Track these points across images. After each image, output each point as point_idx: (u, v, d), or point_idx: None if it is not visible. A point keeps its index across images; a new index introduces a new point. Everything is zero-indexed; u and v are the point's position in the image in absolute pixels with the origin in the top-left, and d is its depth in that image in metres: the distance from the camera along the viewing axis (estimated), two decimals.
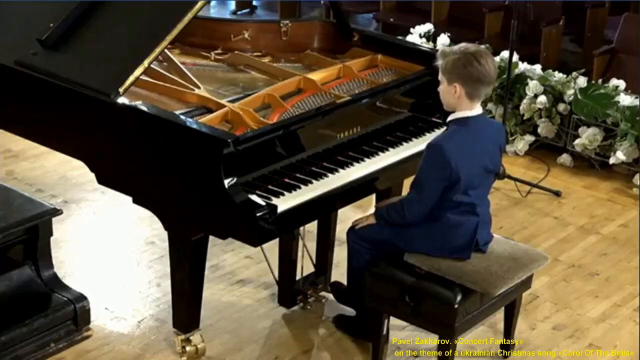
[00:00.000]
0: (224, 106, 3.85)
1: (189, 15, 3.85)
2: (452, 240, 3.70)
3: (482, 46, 3.80)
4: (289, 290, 4.34)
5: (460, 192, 3.65)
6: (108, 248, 4.89)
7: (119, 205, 4.95)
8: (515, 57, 5.93)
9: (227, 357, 4.05)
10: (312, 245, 4.42)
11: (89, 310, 4.07)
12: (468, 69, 3.58)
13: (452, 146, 3.58)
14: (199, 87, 4.05)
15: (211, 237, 3.77)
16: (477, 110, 3.67)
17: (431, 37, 6.79)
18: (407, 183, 3.82)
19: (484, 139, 3.70)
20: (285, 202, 3.57)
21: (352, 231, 3.94)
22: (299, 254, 4.29)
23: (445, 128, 3.80)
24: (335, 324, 4.24)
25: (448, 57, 3.62)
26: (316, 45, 4.69)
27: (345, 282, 4.20)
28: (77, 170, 5.30)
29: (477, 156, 3.66)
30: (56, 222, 4.13)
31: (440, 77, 3.68)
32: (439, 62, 3.68)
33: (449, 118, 3.70)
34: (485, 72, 3.59)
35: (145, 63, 3.78)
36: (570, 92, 6.00)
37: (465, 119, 3.65)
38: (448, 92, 3.65)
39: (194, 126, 3.60)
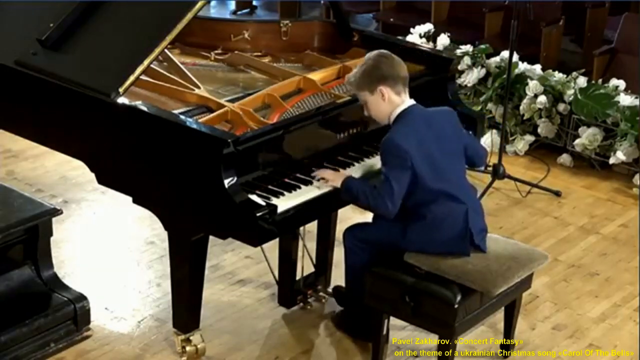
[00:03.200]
0: (224, 106, 3.85)
1: (189, 15, 3.85)
2: (445, 232, 3.70)
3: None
4: (289, 290, 4.34)
5: (433, 180, 3.65)
6: (108, 248, 4.89)
7: (119, 205, 4.95)
8: (515, 57, 5.92)
9: (227, 357, 4.05)
10: (312, 245, 4.42)
11: (89, 310, 4.07)
12: (381, 68, 3.68)
13: (401, 136, 3.62)
14: (199, 87, 4.05)
15: (211, 237, 3.77)
16: (409, 102, 3.72)
17: (431, 37, 6.79)
18: None
19: (434, 123, 3.73)
20: (285, 202, 3.57)
21: (348, 231, 3.94)
22: (299, 254, 4.29)
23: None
24: (336, 324, 4.24)
25: (357, 74, 3.71)
26: (316, 45, 4.69)
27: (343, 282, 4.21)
28: (77, 170, 5.30)
29: (431, 141, 3.67)
30: (56, 222, 4.13)
31: (361, 97, 3.74)
32: (353, 89, 3.78)
33: (390, 121, 3.72)
34: (395, 64, 3.70)
35: (145, 63, 3.79)
36: (570, 92, 6.00)
37: (402, 112, 3.70)
38: (377, 101, 3.70)
39: (194, 126, 3.60)
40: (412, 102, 3.74)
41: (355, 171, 3.87)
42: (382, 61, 3.70)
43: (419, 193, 3.67)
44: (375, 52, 3.77)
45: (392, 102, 3.70)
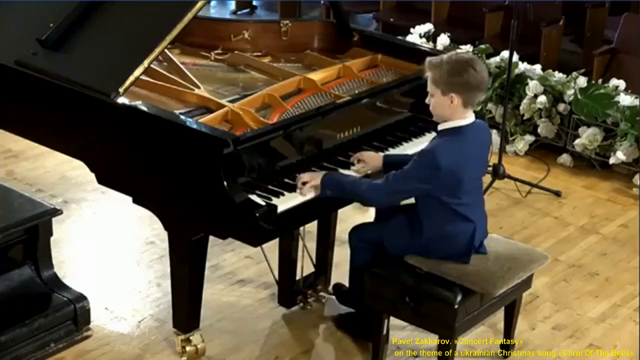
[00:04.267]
0: (224, 106, 3.85)
1: (189, 15, 3.85)
2: (450, 248, 3.69)
3: (471, 54, 3.76)
4: (289, 290, 4.34)
5: (451, 202, 3.61)
6: (108, 248, 4.89)
7: (119, 205, 4.94)
8: (515, 57, 5.92)
9: (227, 357, 4.05)
10: (312, 245, 4.42)
11: (89, 310, 4.06)
12: (465, 77, 3.51)
13: (446, 155, 3.52)
14: (199, 87, 4.05)
15: (211, 237, 3.77)
16: (470, 118, 3.62)
17: (431, 37, 6.79)
18: None
19: (476, 146, 3.66)
20: (285, 202, 3.57)
21: (353, 231, 3.94)
22: (299, 254, 4.29)
23: (435, 135, 3.72)
24: (336, 324, 4.24)
25: (441, 67, 3.54)
26: (316, 45, 4.69)
27: (345, 282, 4.21)
28: (77, 170, 5.30)
29: (470, 165, 3.62)
30: (56, 222, 4.12)
31: (432, 88, 3.59)
32: (429, 74, 3.59)
33: (441, 127, 3.62)
34: (481, 79, 3.54)
35: (145, 63, 3.79)
36: (570, 92, 6.00)
37: (459, 128, 3.59)
38: (443, 103, 3.56)
39: (194, 126, 3.60)
40: (472, 119, 3.62)
41: (351, 174, 3.87)
42: (469, 71, 3.50)
43: (432, 209, 3.65)
44: (469, 56, 3.59)
45: (456, 111, 3.57)
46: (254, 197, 3.52)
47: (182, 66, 4.27)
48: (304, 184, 3.65)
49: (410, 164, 3.59)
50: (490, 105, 6.30)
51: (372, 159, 3.86)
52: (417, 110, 4.27)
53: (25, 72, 4.02)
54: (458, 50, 3.61)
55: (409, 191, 3.62)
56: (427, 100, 3.66)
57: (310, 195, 3.65)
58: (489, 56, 6.38)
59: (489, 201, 5.46)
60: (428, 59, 3.64)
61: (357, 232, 3.93)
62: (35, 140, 4.27)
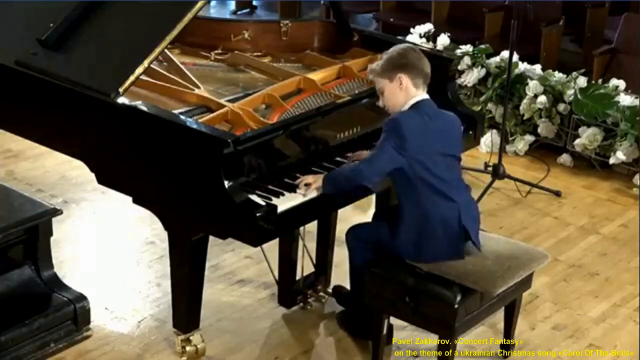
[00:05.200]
0: (224, 106, 3.85)
1: (189, 15, 3.85)
2: (441, 236, 3.68)
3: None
4: (289, 290, 4.34)
5: (425, 173, 3.64)
6: (108, 248, 4.89)
7: (119, 205, 4.94)
8: (515, 57, 5.92)
9: (227, 357, 4.05)
10: (312, 245, 4.42)
11: (89, 310, 4.07)
12: (407, 57, 3.70)
13: (409, 122, 3.63)
14: (199, 87, 4.05)
15: (211, 237, 3.77)
16: (423, 94, 3.73)
17: (431, 37, 6.79)
18: None
19: (439, 122, 3.73)
20: (285, 202, 3.57)
21: (350, 232, 3.94)
22: (299, 254, 4.29)
23: None
24: (338, 321, 4.24)
25: (380, 63, 3.73)
26: (316, 45, 4.69)
27: (345, 282, 4.21)
28: (77, 170, 5.30)
29: (431, 137, 3.67)
30: (56, 222, 4.13)
31: (380, 85, 3.73)
32: (372, 77, 3.77)
33: (403, 109, 3.71)
34: (421, 58, 3.72)
35: (145, 63, 3.79)
36: (570, 92, 6.00)
37: (417, 103, 3.70)
38: (394, 90, 3.70)
39: (194, 126, 3.60)
40: (426, 96, 3.74)
41: None
42: (409, 52, 3.72)
43: (409, 188, 3.67)
44: (405, 44, 3.82)
45: (408, 92, 3.69)
46: (254, 197, 3.52)
47: (182, 66, 4.27)
48: (307, 185, 3.66)
49: (381, 137, 3.67)
50: (490, 105, 6.30)
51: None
52: None
53: (25, 72, 4.02)
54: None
55: (385, 159, 3.64)
56: (378, 103, 3.78)
57: (312, 195, 3.65)
58: (489, 56, 6.38)
59: (489, 201, 5.48)
60: (369, 67, 3.84)
61: (354, 233, 3.93)
62: (35, 140, 4.27)
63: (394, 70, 3.68)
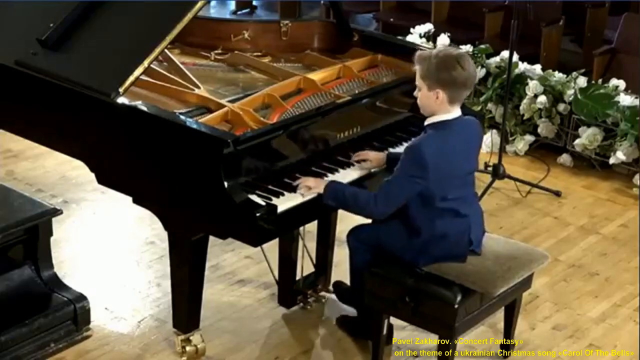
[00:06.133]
0: (224, 106, 3.85)
1: (189, 15, 3.85)
2: (447, 247, 3.68)
3: (461, 49, 3.75)
4: (289, 290, 4.34)
5: (442, 199, 3.61)
6: (108, 248, 4.89)
7: (119, 205, 4.95)
8: (515, 57, 5.92)
9: (227, 357, 4.05)
10: (312, 245, 4.42)
11: (89, 310, 4.07)
12: (452, 73, 3.51)
13: (431, 149, 3.52)
14: (199, 87, 4.05)
15: (211, 237, 3.77)
16: (456, 112, 3.62)
17: (431, 37, 6.79)
18: None
19: (465, 141, 3.65)
20: (285, 202, 3.57)
21: (351, 232, 3.94)
22: (299, 254, 4.29)
23: (423, 132, 3.68)
24: (338, 323, 4.24)
25: (429, 62, 3.54)
26: (316, 45, 4.69)
27: (346, 281, 4.21)
28: (77, 170, 5.30)
29: (457, 160, 3.61)
30: (56, 222, 4.13)
31: (419, 82, 3.60)
32: (417, 67, 3.59)
33: (427, 122, 3.63)
34: (468, 76, 3.54)
35: (145, 63, 3.78)
36: (570, 92, 6.00)
37: (444, 122, 3.59)
38: (429, 97, 3.57)
39: (194, 126, 3.60)
40: (458, 113, 3.62)
41: (351, 174, 3.87)
42: (456, 67, 3.49)
43: (424, 209, 3.64)
44: (458, 52, 3.58)
45: (442, 107, 3.57)
46: (253, 197, 3.52)
47: (182, 66, 4.27)
48: (307, 187, 3.65)
49: (399, 165, 3.59)
50: (490, 105, 6.30)
51: (375, 157, 3.87)
52: (417, 110, 4.24)
53: (25, 72, 4.02)
54: (447, 46, 3.59)
55: (403, 193, 3.59)
56: (414, 94, 3.67)
57: (302, 198, 3.63)
58: (489, 56, 6.38)
59: (489, 201, 5.48)
60: (418, 52, 3.64)
61: (355, 234, 3.93)
62: (35, 140, 4.27)
63: (435, 81, 3.52)
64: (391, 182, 3.58)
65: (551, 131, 6.14)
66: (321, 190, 3.64)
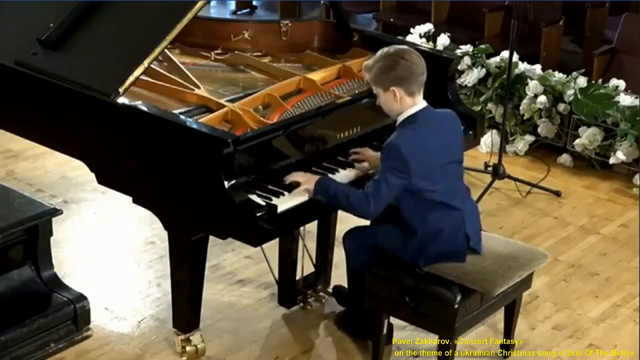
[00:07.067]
0: (224, 106, 3.85)
1: (189, 15, 3.85)
2: (443, 242, 3.68)
3: (404, 46, 3.81)
4: (289, 290, 4.34)
5: (429, 191, 3.62)
6: (108, 248, 4.89)
7: (119, 205, 4.94)
8: (515, 57, 5.92)
9: (227, 357, 4.05)
10: (312, 245, 4.42)
11: (89, 310, 4.06)
12: (397, 70, 3.59)
13: (407, 143, 3.56)
14: (199, 87, 4.05)
15: (211, 237, 3.77)
16: (420, 104, 3.66)
17: (431, 37, 6.79)
18: None
19: (439, 131, 3.67)
20: (285, 202, 3.57)
21: (347, 235, 3.94)
22: (299, 254, 4.29)
23: (395, 131, 3.69)
24: (336, 323, 4.24)
25: (374, 68, 3.64)
26: (316, 45, 4.69)
27: (345, 282, 4.20)
28: (77, 170, 5.30)
29: (435, 149, 3.63)
30: (56, 222, 4.12)
31: (375, 90, 3.68)
32: (366, 77, 3.70)
33: (397, 121, 3.66)
34: (412, 65, 3.61)
35: (145, 63, 3.79)
36: (570, 92, 6.00)
37: (411, 117, 3.64)
38: (388, 99, 3.64)
39: (194, 126, 3.60)
40: (423, 104, 3.67)
41: (350, 174, 3.87)
42: (399, 62, 3.59)
43: (414, 203, 3.65)
44: (395, 49, 3.66)
45: (403, 103, 3.63)
46: (254, 197, 3.52)
47: (182, 66, 4.27)
48: (297, 184, 3.64)
49: (381, 164, 3.62)
50: (490, 105, 6.30)
51: (371, 156, 3.88)
52: None
53: (25, 72, 4.02)
54: (388, 47, 3.66)
55: (391, 189, 3.59)
56: (376, 103, 3.73)
57: (302, 198, 3.63)
58: (489, 56, 6.38)
59: (489, 201, 5.48)
60: (364, 64, 3.75)
61: (351, 236, 3.93)
62: (35, 140, 4.27)
63: (386, 82, 3.62)
64: (378, 180, 3.60)
65: (551, 131, 6.14)
66: (311, 187, 3.64)
